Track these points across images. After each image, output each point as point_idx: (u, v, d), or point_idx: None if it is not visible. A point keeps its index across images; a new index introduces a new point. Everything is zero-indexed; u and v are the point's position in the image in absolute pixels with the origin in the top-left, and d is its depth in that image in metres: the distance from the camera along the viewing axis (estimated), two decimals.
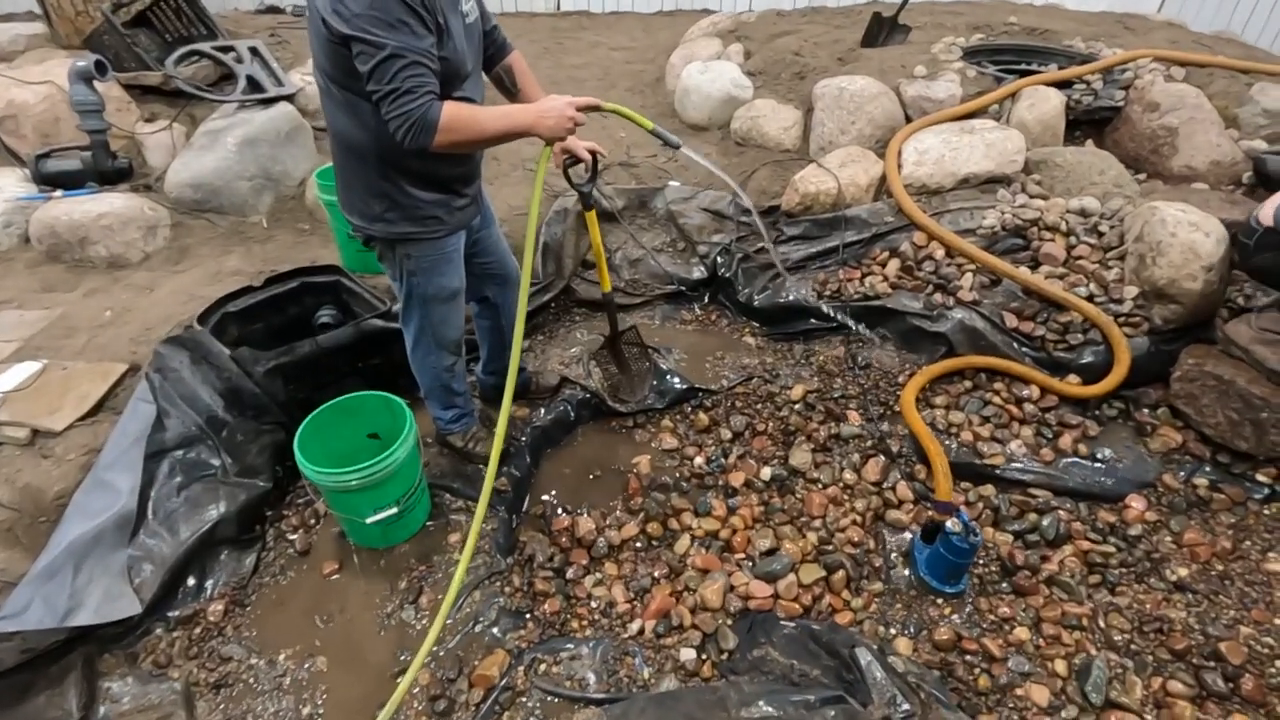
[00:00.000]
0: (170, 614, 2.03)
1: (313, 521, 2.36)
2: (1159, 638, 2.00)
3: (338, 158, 1.90)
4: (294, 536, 2.32)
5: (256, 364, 2.38)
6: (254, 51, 3.54)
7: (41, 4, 3.82)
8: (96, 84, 3.05)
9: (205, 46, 3.49)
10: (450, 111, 1.62)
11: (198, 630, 2.02)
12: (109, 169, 3.15)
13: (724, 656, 1.97)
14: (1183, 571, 2.17)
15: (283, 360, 2.43)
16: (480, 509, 1.92)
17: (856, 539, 2.31)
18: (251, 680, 1.93)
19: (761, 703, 1.62)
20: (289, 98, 3.44)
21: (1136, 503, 2.38)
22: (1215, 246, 2.47)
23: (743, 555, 2.28)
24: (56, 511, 2.01)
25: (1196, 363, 2.48)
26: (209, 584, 2.13)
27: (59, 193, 3.05)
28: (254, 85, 3.39)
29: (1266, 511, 2.33)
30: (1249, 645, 1.94)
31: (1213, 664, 1.91)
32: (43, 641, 1.78)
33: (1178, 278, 2.49)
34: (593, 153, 2.10)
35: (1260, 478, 2.38)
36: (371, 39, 1.52)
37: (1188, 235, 2.48)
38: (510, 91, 2.15)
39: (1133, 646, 2.00)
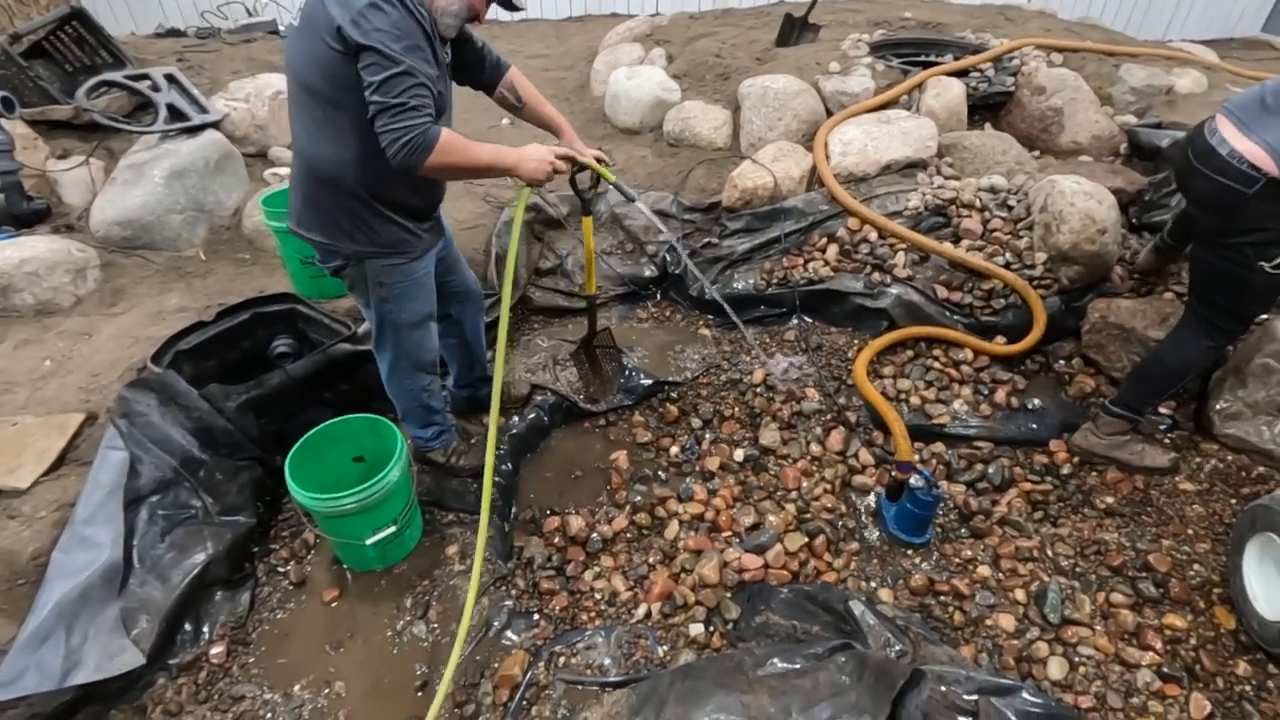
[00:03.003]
0: (171, 662, 1.99)
1: (304, 552, 2.34)
2: (1098, 558, 2.28)
3: (301, 178, 1.87)
4: (286, 569, 2.29)
5: (228, 400, 2.34)
6: (170, 79, 3.39)
7: None
8: (3, 121, 2.87)
9: (117, 76, 3.31)
10: (448, 136, 1.68)
11: (203, 675, 1.99)
12: (25, 211, 2.96)
13: (729, 626, 2.11)
14: (1109, 499, 2.47)
15: (254, 393, 2.39)
16: (484, 519, 1.98)
17: (830, 505, 2.50)
18: (269, 715, 1.91)
19: (776, 660, 1.76)
20: (215, 124, 3.32)
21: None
22: (1108, 212, 2.80)
23: (730, 533, 2.42)
24: (36, 573, 1.93)
25: (1101, 315, 2.81)
26: (206, 627, 2.09)
27: None
28: (175, 114, 3.25)
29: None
30: (1171, 555, 2.25)
31: (1145, 575, 2.20)
32: (48, 705, 1.72)
33: (1079, 241, 2.81)
34: (598, 159, 2.13)
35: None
36: (388, 52, 1.56)
37: (1085, 204, 2.80)
38: (515, 107, 2.18)
39: (1078, 569, 2.27)
